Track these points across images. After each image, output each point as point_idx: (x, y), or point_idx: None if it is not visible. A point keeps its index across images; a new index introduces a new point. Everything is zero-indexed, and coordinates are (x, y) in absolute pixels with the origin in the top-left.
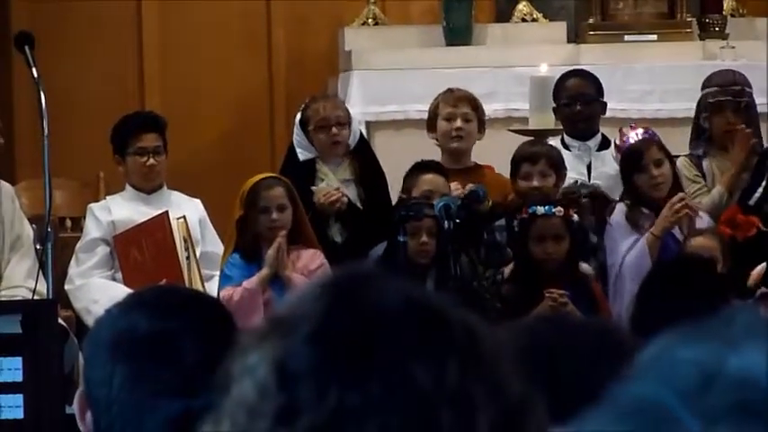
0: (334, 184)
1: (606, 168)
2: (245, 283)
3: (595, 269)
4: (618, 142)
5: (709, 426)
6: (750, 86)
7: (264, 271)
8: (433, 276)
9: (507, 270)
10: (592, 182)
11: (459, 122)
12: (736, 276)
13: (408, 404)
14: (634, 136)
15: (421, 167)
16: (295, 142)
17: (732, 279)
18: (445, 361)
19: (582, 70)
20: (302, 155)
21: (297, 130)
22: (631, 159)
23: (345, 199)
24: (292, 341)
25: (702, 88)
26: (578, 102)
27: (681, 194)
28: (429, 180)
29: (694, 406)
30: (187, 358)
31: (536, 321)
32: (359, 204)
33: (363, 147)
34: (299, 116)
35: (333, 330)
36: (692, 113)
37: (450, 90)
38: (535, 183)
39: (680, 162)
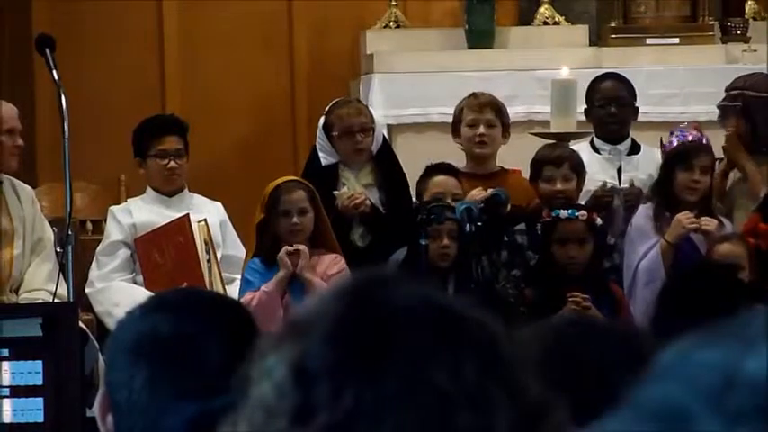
0: (356, 188)
1: (636, 173)
2: (263, 287)
3: (608, 270)
4: (674, 133)
5: (729, 427)
6: (756, 90)
7: (281, 273)
8: (454, 280)
9: (528, 273)
10: (623, 183)
11: (482, 129)
12: (762, 283)
13: (425, 403)
14: (691, 137)
15: (431, 171)
16: (318, 146)
17: (758, 285)
18: (462, 361)
19: (616, 73)
20: (324, 159)
21: (320, 134)
22: (682, 154)
23: (369, 202)
24: (309, 342)
25: None
26: (612, 104)
27: (687, 213)
28: (439, 182)
29: (714, 408)
30: (209, 360)
31: (561, 322)
32: (381, 209)
33: (386, 151)
34: (322, 120)
35: (349, 330)
36: (713, 116)
37: (474, 95)
38: (559, 186)
39: None
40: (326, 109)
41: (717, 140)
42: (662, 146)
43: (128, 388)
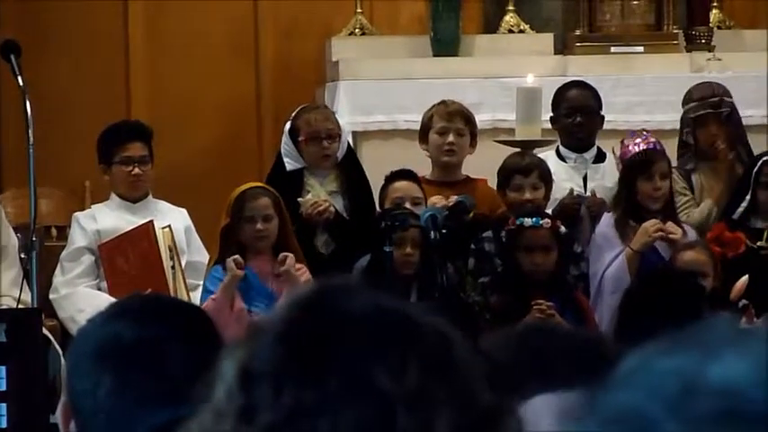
0: (321, 195)
1: (603, 181)
2: (212, 295)
3: (576, 278)
4: (626, 143)
5: None
6: (729, 96)
7: (226, 279)
8: (417, 287)
9: (493, 281)
10: (588, 191)
11: (451, 137)
12: (725, 290)
13: (365, 403)
14: (643, 144)
15: (392, 178)
16: (283, 151)
17: (722, 293)
18: (405, 363)
19: (582, 82)
20: (290, 165)
21: (285, 139)
22: (640, 165)
23: (333, 209)
24: (258, 345)
25: (683, 104)
26: (579, 113)
27: (654, 221)
28: (399, 187)
29: (676, 415)
30: (172, 366)
31: (525, 329)
32: (345, 216)
33: (350, 158)
34: (288, 125)
35: (293, 333)
36: (678, 125)
37: (443, 103)
38: (527, 195)
39: None
40: (293, 114)
41: (671, 147)
42: (615, 155)
43: (91, 395)
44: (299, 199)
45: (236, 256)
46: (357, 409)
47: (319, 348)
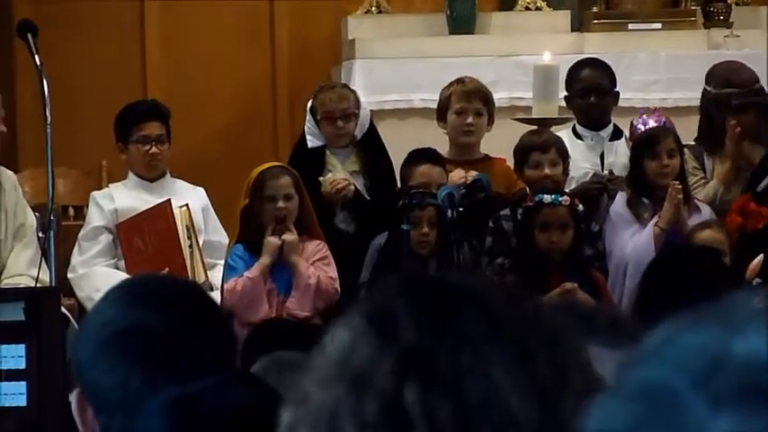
0: (342, 175)
1: (619, 158)
2: (247, 273)
3: (592, 256)
4: (635, 123)
5: (717, 409)
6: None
7: (264, 259)
8: (435, 266)
9: (511, 262)
10: (605, 169)
11: (470, 118)
12: (740, 268)
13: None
14: (652, 122)
15: (416, 157)
16: (306, 129)
17: (737, 271)
18: (535, 356)
19: (595, 59)
20: (311, 142)
21: (308, 116)
22: (645, 144)
23: (352, 188)
24: (363, 329)
25: (719, 86)
26: (592, 93)
27: (673, 182)
28: (424, 171)
29: (702, 390)
30: (180, 345)
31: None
32: (366, 195)
33: (372, 136)
34: (310, 102)
35: (405, 320)
36: (695, 102)
37: (461, 81)
38: (546, 171)
39: None
40: (315, 91)
41: (688, 125)
42: (626, 138)
43: (102, 381)
44: (321, 178)
45: (276, 239)
46: (492, 420)
47: (435, 342)
